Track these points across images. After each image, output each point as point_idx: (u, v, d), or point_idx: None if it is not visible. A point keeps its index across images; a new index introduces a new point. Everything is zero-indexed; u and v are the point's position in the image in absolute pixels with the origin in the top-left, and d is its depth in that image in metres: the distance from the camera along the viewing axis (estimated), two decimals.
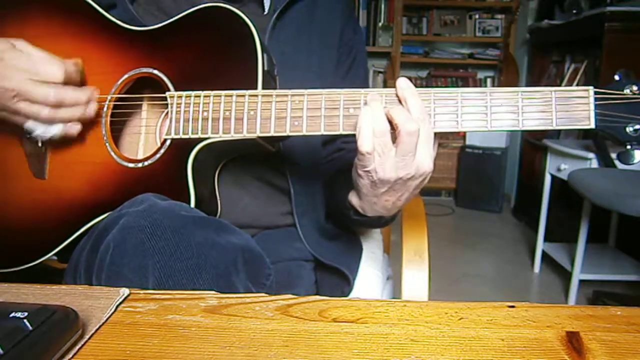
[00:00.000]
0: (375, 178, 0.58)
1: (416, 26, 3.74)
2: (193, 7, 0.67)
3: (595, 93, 0.56)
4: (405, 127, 0.54)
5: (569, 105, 0.56)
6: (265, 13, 0.79)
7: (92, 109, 0.66)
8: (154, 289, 0.49)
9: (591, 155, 1.97)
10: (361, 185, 0.62)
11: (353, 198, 0.68)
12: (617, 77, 0.57)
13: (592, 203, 1.82)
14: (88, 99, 0.65)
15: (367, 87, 0.93)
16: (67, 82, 0.62)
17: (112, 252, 0.52)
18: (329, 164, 0.85)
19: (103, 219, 0.62)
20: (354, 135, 0.57)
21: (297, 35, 0.78)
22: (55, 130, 0.63)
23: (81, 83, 0.66)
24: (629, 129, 0.56)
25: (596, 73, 2.37)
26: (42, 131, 0.63)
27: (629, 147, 0.58)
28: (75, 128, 0.65)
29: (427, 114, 0.56)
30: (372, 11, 3.53)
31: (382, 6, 3.53)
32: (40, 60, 0.61)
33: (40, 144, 0.67)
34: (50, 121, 0.62)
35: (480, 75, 3.81)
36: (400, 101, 0.57)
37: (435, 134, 0.58)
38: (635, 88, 0.56)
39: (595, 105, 0.56)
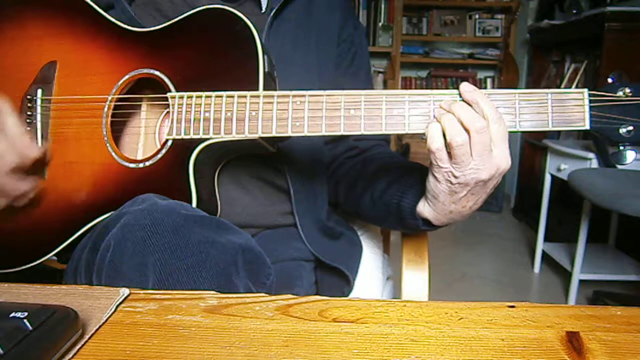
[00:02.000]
0: (455, 182, 0.58)
1: (416, 26, 3.73)
2: (191, 8, 0.67)
3: (590, 95, 0.57)
4: (475, 125, 0.55)
5: (564, 107, 0.57)
6: (263, 12, 0.79)
7: (22, 202, 0.64)
8: (154, 288, 0.49)
9: (591, 155, 1.97)
10: (439, 192, 0.61)
11: (425, 210, 0.66)
12: (610, 80, 0.59)
13: (592, 203, 1.82)
14: (25, 192, 0.63)
15: (371, 82, 0.93)
16: (15, 170, 0.60)
17: (112, 251, 0.52)
18: (348, 161, 0.84)
19: (104, 219, 0.62)
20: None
21: (294, 33, 0.78)
22: None
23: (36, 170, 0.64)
24: (622, 130, 0.58)
25: (596, 73, 2.37)
26: None
27: (621, 147, 0.59)
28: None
29: (499, 112, 0.57)
30: (372, 11, 3.53)
31: (382, 6, 3.53)
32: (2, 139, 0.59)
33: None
34: None
35: (480, 75, 3.81)
36: (469, 104, 0.57)
37: None
38: (628, 90, 0.57)
39: (590, 107, 0.57)
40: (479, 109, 0.56)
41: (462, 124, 0.55)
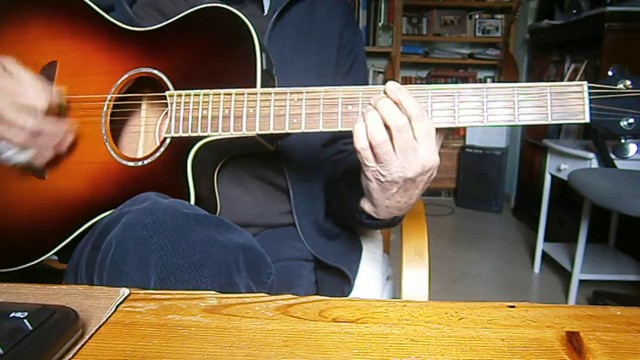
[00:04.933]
0: (383, 180, 0.59)
1: (416, 26, 3.73)
2: (192, 7, 0.67)
3: (590, 88, 0.57)
4: (395, 123, 0.55)
5: (564, 100, 0.57)
6: (265, 14, 0.79)
7: (67, 142, 0.67)
8: (155, 287, 0.49)
9: (591, 155, 1.97)
10: (371, 189, 0.62)
11: (365, 205, 0.68)
12: (610, 73, 0.58)
13: (592, 203, 1.82)
14: (65, 132, 0.66)
15: None
16: (49, 111, 0.63)
17: (114, 250, 0.52)
18: (331, 165, 0.85)
19: (103, 218, 0.62)
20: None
21: (296, 36, 0.78)
22: (25, 156, 0.64)
23: (64, 111, 0.66)
24: (623, 123, 0.57)
25: (596, 73, 2.37)
26: (13, 154, 0.63)
27: (623, 140, 0.59)
28: (45, 156, 0.65)
29: (425, 110, 0.57)
30: (372, 11, 3.52)
31: (382, 6, 3.53)
32: (27, 86, 0.61)
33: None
34: (23, 147, 0.63)
35: (480, 75, 3.81)
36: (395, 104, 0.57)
37: (437, 129, 0.58)
38: (628, 82, 0.57)
39: (590, 100, 0.57)
40: (402, 107, 0.56)
41: (384, 120, 0.55)
